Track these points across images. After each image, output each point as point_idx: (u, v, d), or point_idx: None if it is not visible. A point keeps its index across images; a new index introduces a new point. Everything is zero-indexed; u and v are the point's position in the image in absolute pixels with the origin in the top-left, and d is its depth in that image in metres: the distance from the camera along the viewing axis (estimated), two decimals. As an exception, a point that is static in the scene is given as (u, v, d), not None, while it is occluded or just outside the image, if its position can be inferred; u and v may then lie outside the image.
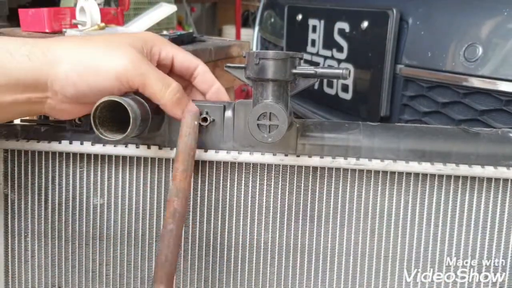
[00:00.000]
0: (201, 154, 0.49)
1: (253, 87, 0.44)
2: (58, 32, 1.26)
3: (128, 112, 0.42)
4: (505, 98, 0.85)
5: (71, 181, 0.52)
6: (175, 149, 0.49)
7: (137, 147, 0.50)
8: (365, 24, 1.10)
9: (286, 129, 0.42)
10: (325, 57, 1.25)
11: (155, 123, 0.48)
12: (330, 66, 1.17)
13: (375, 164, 0.48)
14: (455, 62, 0.91)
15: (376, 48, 1.06)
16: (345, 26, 1.17)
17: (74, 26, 1.25)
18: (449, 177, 0.48)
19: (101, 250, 0.53)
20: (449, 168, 0.47)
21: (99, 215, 0.53)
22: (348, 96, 1.18)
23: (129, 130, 0.42)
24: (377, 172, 0.49)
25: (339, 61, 1.20)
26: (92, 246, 0.54)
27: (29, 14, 1.28)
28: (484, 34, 0.88)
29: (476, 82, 0.88)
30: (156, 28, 1.35)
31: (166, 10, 1.34)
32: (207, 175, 0.50)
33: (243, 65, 0.44)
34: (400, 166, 0.47)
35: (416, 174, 0.48)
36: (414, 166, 0.47)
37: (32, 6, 1.42)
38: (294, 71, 0.43)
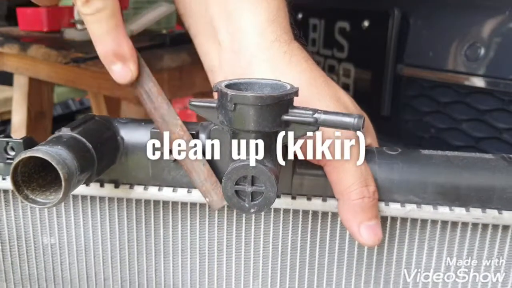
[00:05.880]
0: (169, 195, 0.34)
1: (229, 135, 0.28)
2: (56, 31, 1.13)
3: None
4: (507, 98, 0.75)
5: (13, 218, 0.38)
6: (136, 186, 0.34)
7: (87, 186, 0.34)
8: (366, 23, 0.98)
9: (275, 197, 0.27)
10: (326, 57, 1.13)
11: (108, 156, 0.33)
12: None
13: (394, 210, 0.32)
14: (456, 61, 0.82)
15: (377, 48, 0.94)
16: (345, 25, 1.05)
17: (73, 25, 1.13)
18: (486, 224, 0.33)
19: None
20: (490, 217, 0.32)
21: (52, 256, 0.39)
22: (348, 96, 1.07)
23: (61, 195, 0.27)
24: (395, 217, 0.33)
25: (340, 60, 1.08)
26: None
27: (27, 13, 1.16)
28: (486, 34, 0.78)
29: (477, 82, 0.79)
30: (156, 28, 1.21)
31: (165, 9, 1.20)
32: (179, 219, 0.36)
33: (214, 103, 0.28)
34: (426, 212, 0.32)
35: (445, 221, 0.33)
36: (445, 213, 0.32)
37: (31, 5, 1.28)
38: (286, 117, 0.27)
